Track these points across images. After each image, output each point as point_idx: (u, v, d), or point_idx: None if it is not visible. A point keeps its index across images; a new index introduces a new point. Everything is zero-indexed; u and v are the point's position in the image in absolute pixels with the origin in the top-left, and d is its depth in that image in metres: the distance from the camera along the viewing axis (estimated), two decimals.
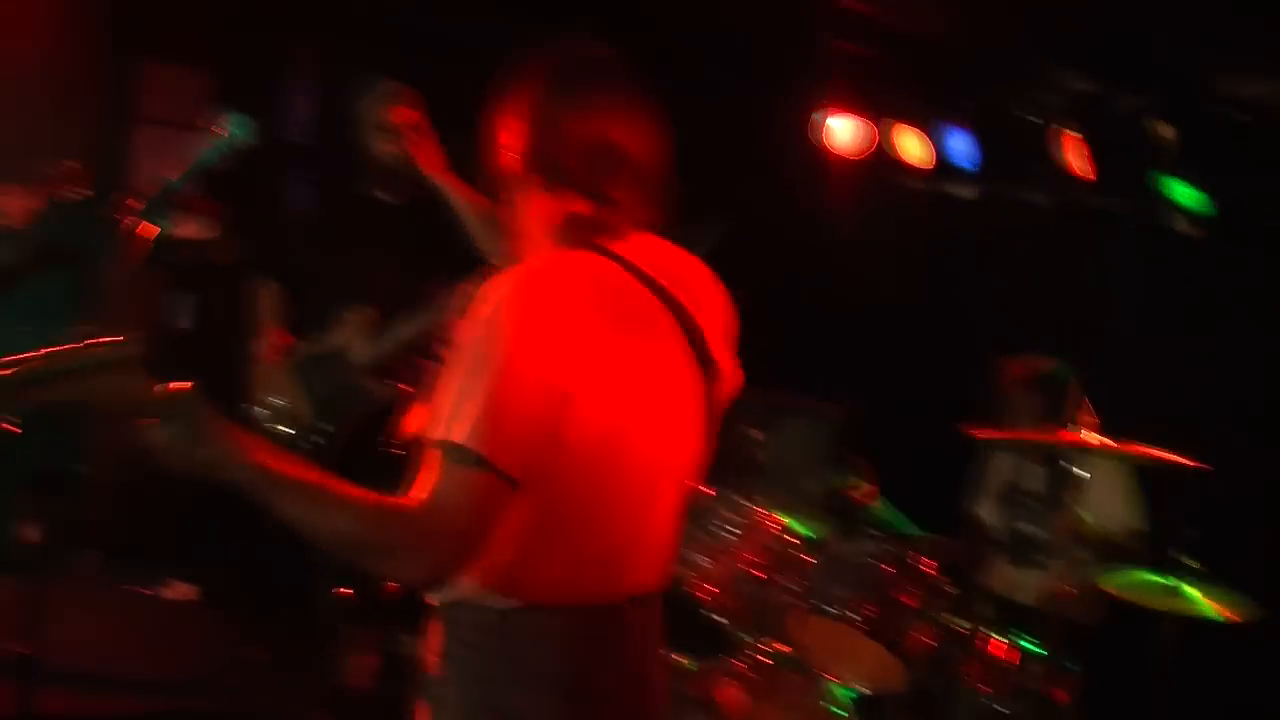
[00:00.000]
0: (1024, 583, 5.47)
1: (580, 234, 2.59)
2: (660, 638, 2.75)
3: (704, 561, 4.87)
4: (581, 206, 2.60)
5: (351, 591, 3.05)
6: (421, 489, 2.33)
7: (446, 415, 2.34)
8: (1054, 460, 5.44)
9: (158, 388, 2.28)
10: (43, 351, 2.20)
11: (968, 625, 4.69)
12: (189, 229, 6.96)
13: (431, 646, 2.64)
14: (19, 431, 2.78)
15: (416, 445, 2.74)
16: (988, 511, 5.77)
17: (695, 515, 4.99)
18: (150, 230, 2.60)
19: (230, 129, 2.72)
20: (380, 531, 2.33)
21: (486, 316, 2.38)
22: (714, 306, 2.74)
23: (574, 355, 2.40)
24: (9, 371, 2.19)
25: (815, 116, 7.43)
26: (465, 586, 2.50)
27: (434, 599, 2.62)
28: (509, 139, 2.64)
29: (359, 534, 2.33)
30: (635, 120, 2.66)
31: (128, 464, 7.50)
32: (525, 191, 2.63)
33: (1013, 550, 5.57)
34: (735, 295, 6.68)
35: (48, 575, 3.63)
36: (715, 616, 4.91)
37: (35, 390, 2.18)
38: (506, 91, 2.65)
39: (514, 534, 2.42)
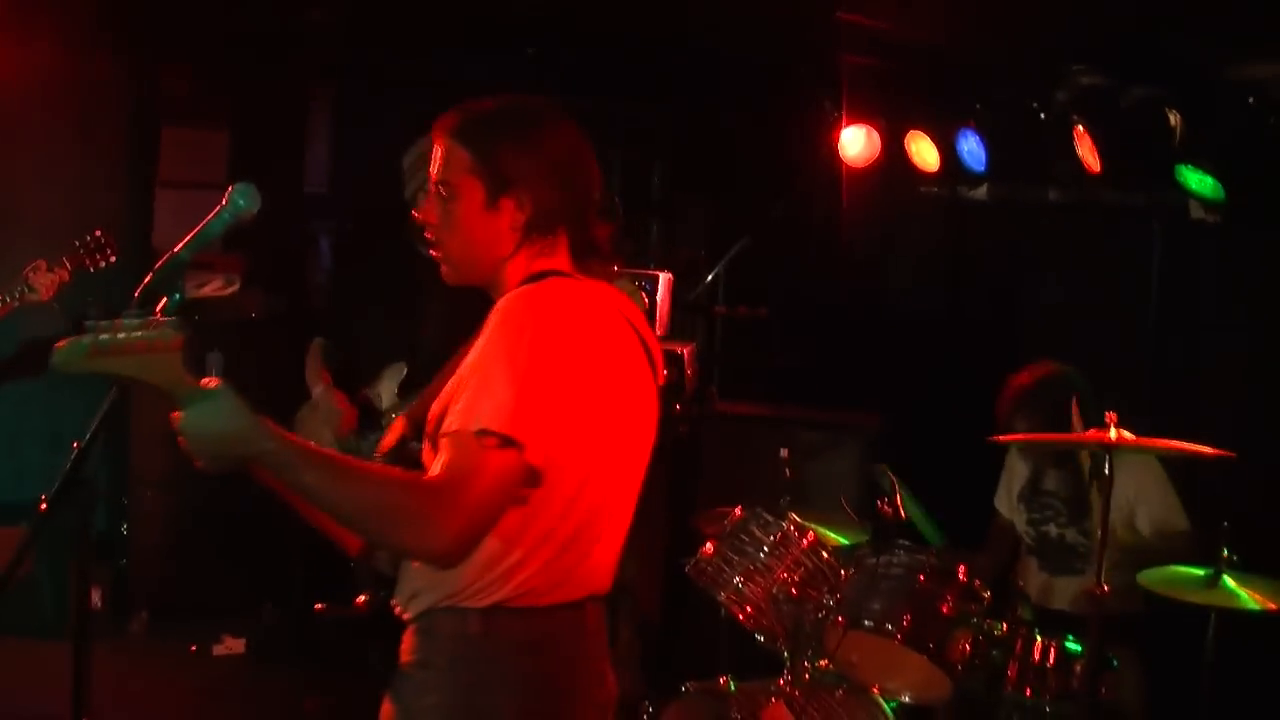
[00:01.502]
0: (1060, 589, 5.44)
1: (575, 269, 2.82)
2: (606, 636, 2.87)
3: (739, 581, 4.89)
4: (572, 239, 2.82)
5: (324, 607, 3.15)
6: (444, 466, 2.47)
7: (476, 409, 2.49)
8: (1070, 461, 5.43)
9: (194, 375, 2.44)
10: (106, 323, 2.36)
11: (1007, 629, 4.68)
12: (213, 285, 7.03)
13: (407, 657, 2.74)
14: (45, 508, 2.82)
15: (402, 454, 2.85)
16: (1011, 513, 5.73)
17: (727, 535, 5.01)
18: (161, 303, 2.63)
19: (234, 198, 2.75)
20: (405, 499, 2.45)
21: (513, 324, 2.57)
22: (654, 340, 2.91)
23: (584, 366, 2.61)
24: (83, 336, 2.36)
25: (829, 129, 7.45)
26: (444, 589, 2.65)
27: (407, 612, 2.75)
28: (512, 192, 2.74)
29: (384, 501, 2.45)
30: (584, 137, 2.87)
31: (171, 523, 7.60)
32: (533, 237, 2.77)
33: (1043, 557, 5.53)
34: (760, 312, 6.66)
35: (94, 639, 3.69)
36: (755, 636, 4.93)
37: (101, 357, 2.36)
38: (489, 146, 2.75)
39: (504, 529, 2.57)
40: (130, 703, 6.10)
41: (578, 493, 2.65)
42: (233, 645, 7.21)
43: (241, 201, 2.77)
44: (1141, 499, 5.25)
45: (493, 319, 2.60)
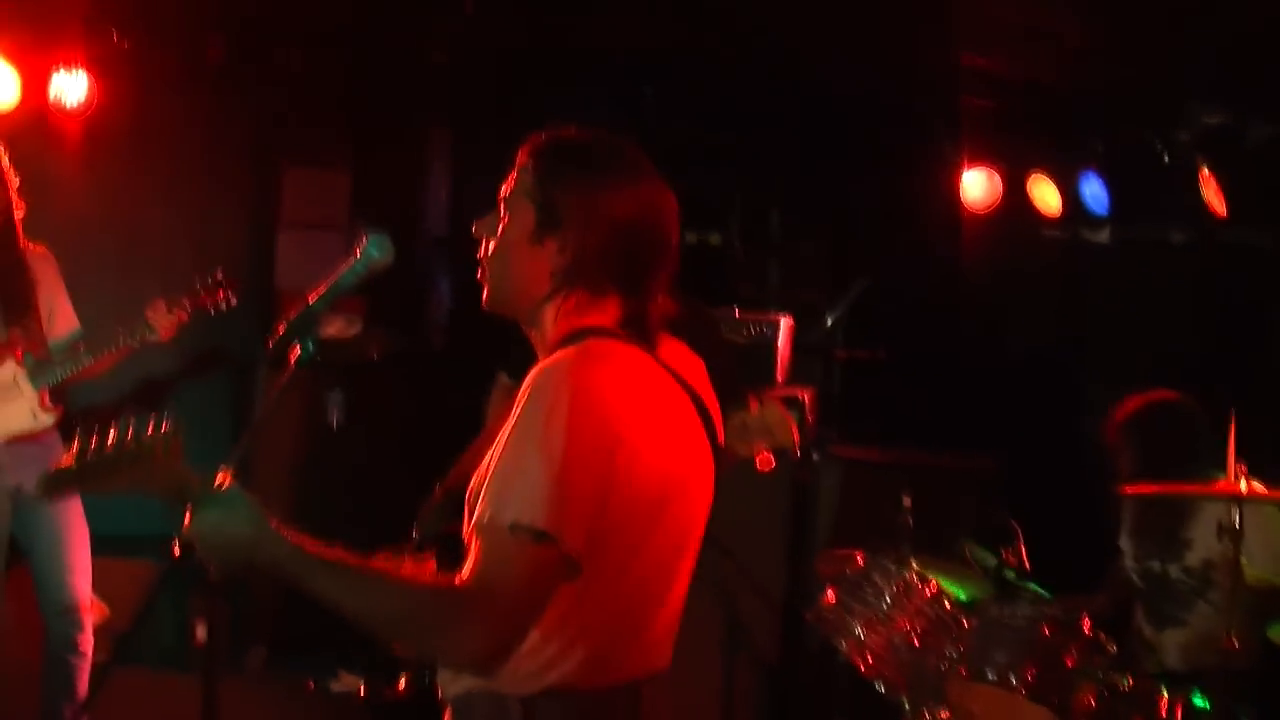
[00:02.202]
0: (1166, 644, 5.32)
1: (619, 328, 2.57)
2: (665, 716, 2.65)
3: (861, 630, 4.85)
4: (623, 303, 2.59)
5: (365, 692, 3.03)
6: (476, 566, 2.30)
7: (508, 497, 2.31)
8: (1183, 504, 5.32)
9: (200, 477, 2.36)
10: (96, 441, 2.31)
11: (1131, 682, 4.60)
12: (334, 327, 7.09)
13: None
14: (178, 555, 2.83)
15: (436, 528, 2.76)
16: (1130, 559, 5.62)
17: (849, 583, 4.98)
18: (294, 353, 2.65)
19: (367, 249, 2.75)
20: (434, 607, 2.30)
21: (547, 401, 2.35)
22: (713, 398, 2.70)
23: (624, 441, 2.39)
24: (70, 462, 2.32)
25: (949, 170, 7.41)
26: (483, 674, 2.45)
27: (445, 692, 2.58)
28: (559, 234, 2.56)
29: (410, 610, 2.30)
30: (667, 208, 2.64)
31: None
32: (571, 287, 2.58)
33: (1148, 601, 5.40)
34: (878, 354, 6.59)
35: (219, 673, 3.72)
36: (876, 686, 4.89)
37: (92, 480, 2.32)
38: (552, 179, 2.59)
39: (545, 621, 2.37)
40: None
41: (623, 575, 2.46)
42: (349, 682, 7.23)
43: (375, 252, 2.75)
44: (1249, 536, 5.11)
45: (527, 390, 2.39)
